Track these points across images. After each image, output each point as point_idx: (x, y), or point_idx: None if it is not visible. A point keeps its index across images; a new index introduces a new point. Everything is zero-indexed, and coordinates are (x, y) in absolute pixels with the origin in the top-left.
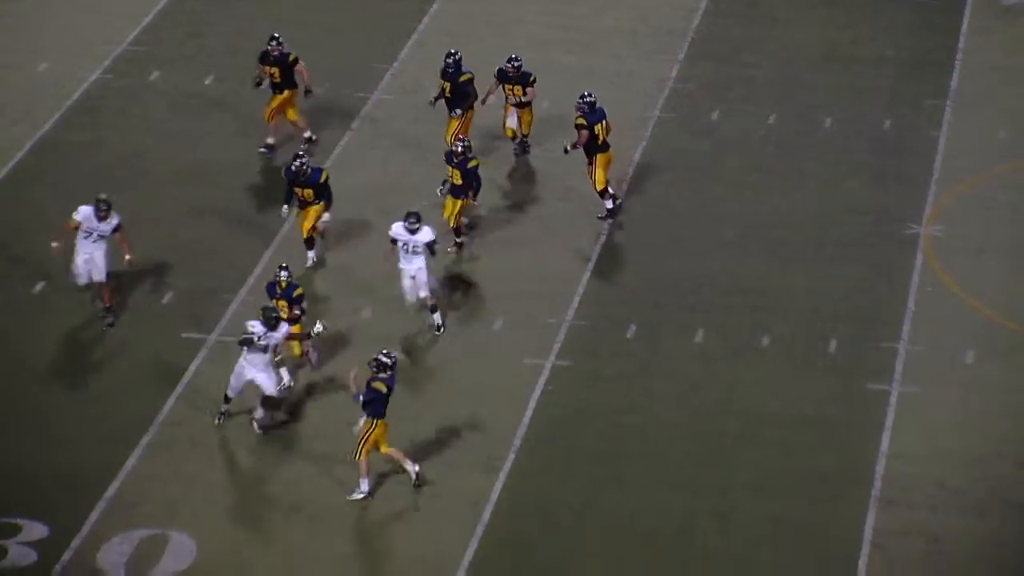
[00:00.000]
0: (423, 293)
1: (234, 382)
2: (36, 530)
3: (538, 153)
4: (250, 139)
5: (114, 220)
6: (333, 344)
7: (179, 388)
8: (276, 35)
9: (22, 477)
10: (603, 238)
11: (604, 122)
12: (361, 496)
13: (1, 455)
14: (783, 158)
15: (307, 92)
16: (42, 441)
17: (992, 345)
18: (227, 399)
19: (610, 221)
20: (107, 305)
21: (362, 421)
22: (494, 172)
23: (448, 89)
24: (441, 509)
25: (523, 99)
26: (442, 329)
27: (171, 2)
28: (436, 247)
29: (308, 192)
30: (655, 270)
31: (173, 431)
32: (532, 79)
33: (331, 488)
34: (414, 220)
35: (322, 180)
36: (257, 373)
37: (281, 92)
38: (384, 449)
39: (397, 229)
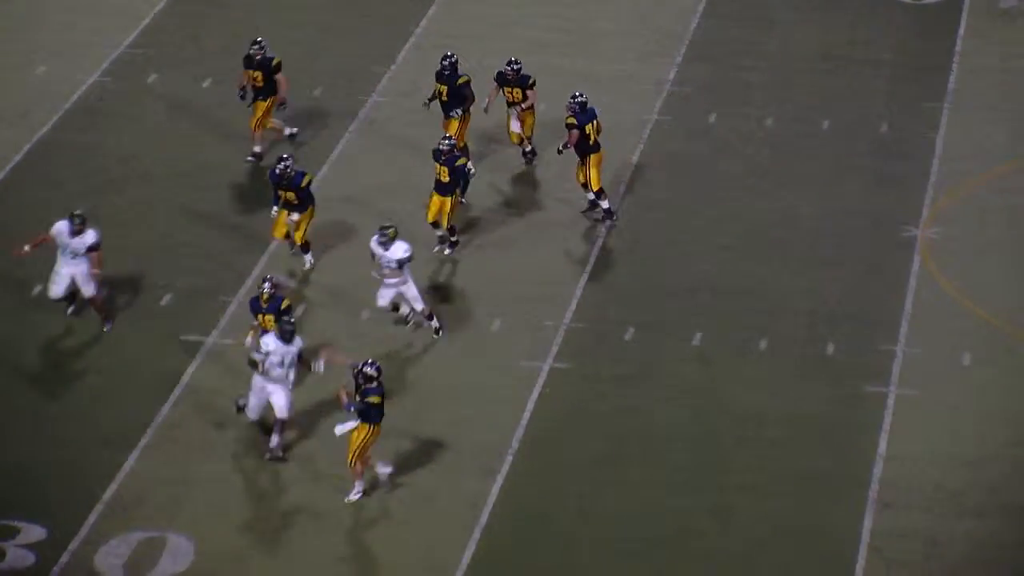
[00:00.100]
0: (419, 306)
1: (253, 402)
2: (34, 532)
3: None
4: (248, 142)
5: (89, 237)
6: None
7: (177, 390)
8: (259, 39)
9: (20, 479)
10: (600, 241)
11: (595, 122)
12: (358, 497)
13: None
14: (780, 161)
15: (281, 104)
16: (40, 443)
17: (989, 348)
18: (239, 408)
19: (608, 223)
20: (102, 316)
21: (351, 424)
22: (491, 175)
23: (445, 92)
24: (439, 512)
25: (523, 104)
26: (440, 332)
27: (169, 4)
28: (407, 263)
29: (290, 195)
30: (653, 273)
31: (172, 433)
32: (531, 82)
33: (329, 490)
34: (385, 235)
35: (304, 184)
36: (274, 392)
37: (265, 98)
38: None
39: (373, 243)
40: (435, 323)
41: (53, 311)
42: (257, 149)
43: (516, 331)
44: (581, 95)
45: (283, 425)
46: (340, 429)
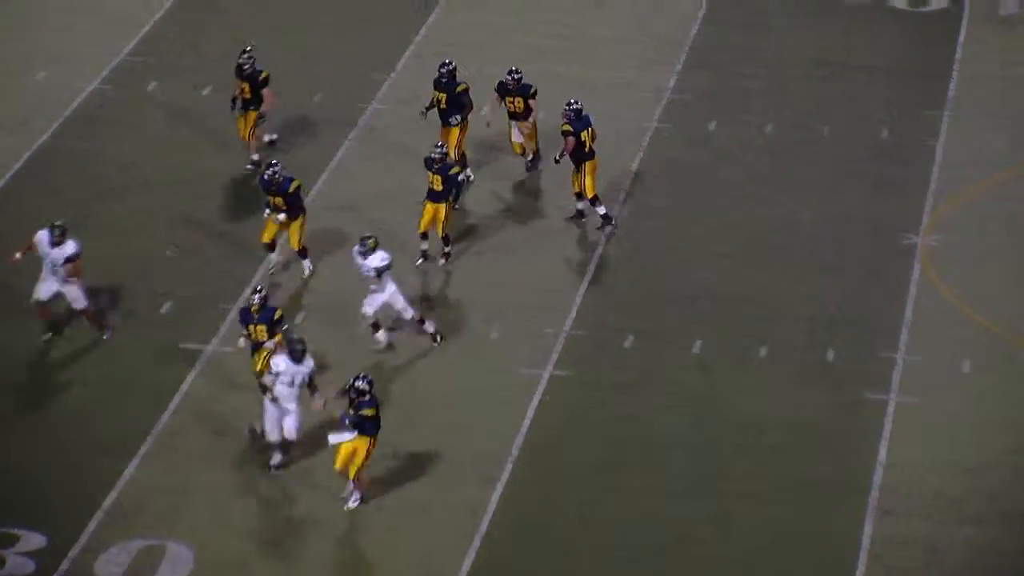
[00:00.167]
0: (408, 315)
1: (269, 425)
2: (34, 540)
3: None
4: (246, 151)
5: (68, 248)
6: (328, 356)
7: (177, 398)
8: (248, 48)
9: (20, 487)
10: (600, 248)
11: (590, 129)
12: (356, 504)
13: (5, 458)
14: (780, 168)
15: (260, 118)
16: (40, 450)
17: (989, 355)
18: (260, 433)
19: (608, 231)
20: (97, 327)
21: (347, 436)
22: (491, 182)
23: (444, 100)
24: (439, 519)
25: (524, 117)
26: (440, 338)
27: (169, 11)
28: (385, 271)
29: (279, 200)
30: (653, 280)
31: (171, 441)
32: (533, 91)
33: (328, 498)
34: (365, 245)
35: (291, 190)
36: (284, 412)
37: (255, 108)
38: (341, 465)
39: (354, 252)
40: (431, 328)
41: (53, 318)
42: (255, 157)
43: (516, 338)
44: (576, 102)
45: (290, 446)
46: (334, 438)
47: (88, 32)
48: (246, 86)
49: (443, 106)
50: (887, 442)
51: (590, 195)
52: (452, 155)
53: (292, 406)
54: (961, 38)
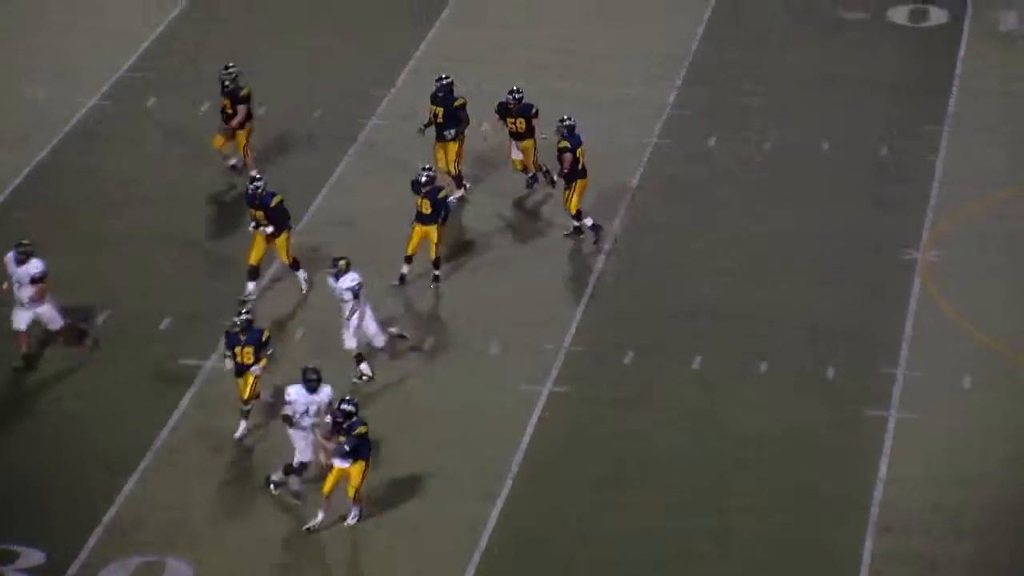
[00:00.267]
0: (379, 342)
1: (301, 447)
2: (34, 557)
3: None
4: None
5: (33, 267)
6: (324, 371)
7: (176, 415)
8: (229, 65)
9: (19, 503)
10: (599, 264)
11: (581, 147)
12: (356, 520)
13: (8, 474)
14: (779, 183)
15: (228, 131)
16: (40, 467)
17: (988, 371)
18: (299, 468)
19: (604, 246)
20: (74, 346)
21: (345, 464)
22: (490, 199)
23: (441, 114)
24: (439, 536)
25: (525, 137)
26: (365, 378)
27: (169, 27)
28: (357, 291)
29: (259, 214)
30: (652, 296)
31: (171, 457)
32: (534, 111)
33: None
34: (337, 266)
35: (273, 204)
36: (301, 440)
37: (241, 126)
38: (329, 488)
39: (327, 275)
40: (408, 338)
41: (51, 334)
42: (254, 173)
43: (515, 354)
44: (570, 118)
45: (304, 468)
46: (339, 463)
47: (88, 48)
48: (227, 103)
49: (440, 120)
50: (887, 458)
51: (573, 211)
52: (452, 170)
53: (305, 436)
54: (961, 53)
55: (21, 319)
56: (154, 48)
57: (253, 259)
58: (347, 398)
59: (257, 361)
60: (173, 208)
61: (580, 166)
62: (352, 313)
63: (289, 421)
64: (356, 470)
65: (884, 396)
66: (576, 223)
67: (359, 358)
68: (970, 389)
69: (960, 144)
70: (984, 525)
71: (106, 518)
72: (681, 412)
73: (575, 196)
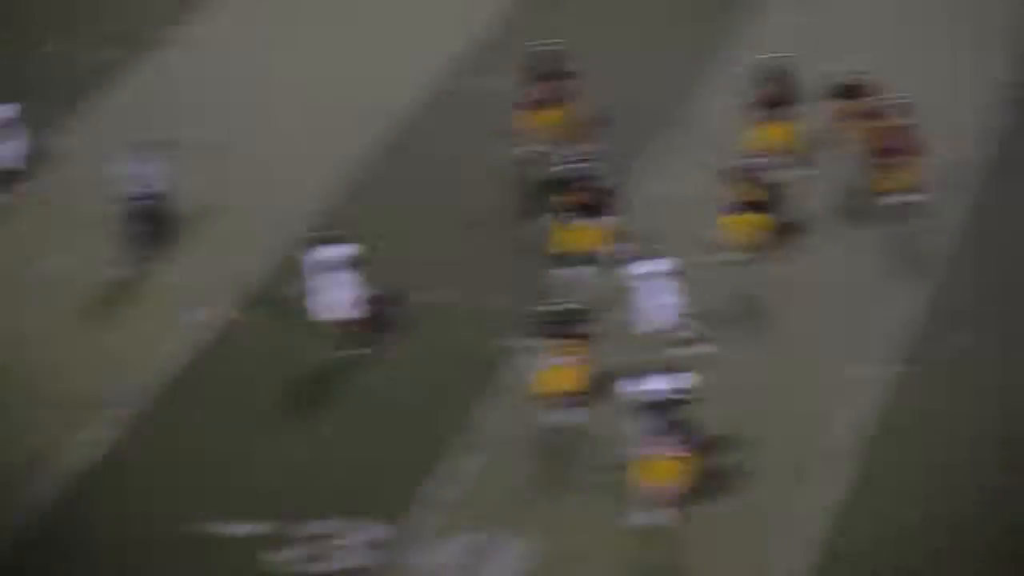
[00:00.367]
0: (673, 328)
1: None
2: (371, 531)
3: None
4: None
5: (347, 249)
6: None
7: (501, 394)
8: (548, 41)
9: (356, 479)
10: (932, 242)
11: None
12: (664, 518)
13: (344, 455)
14: None
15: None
16: (375, 445)
17: None
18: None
19: (935, 222)
20: (369, 337)
21: (677, 453)
22: (819, 178)
23: (775, 94)
24: (782, 522)
25: (867, 118)
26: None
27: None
28: (661, 275)
29: (576, 197)
30: (1000, 274)
31: (501, 436)
32: (878, 93)
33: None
34: (627, 251)
35: (590, 186)
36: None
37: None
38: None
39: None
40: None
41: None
42: (569, 153)
43: (845, 333)
44: (903, 96)
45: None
46: (668, 453)
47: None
48: (546, 81)
49: (774, 101)
50: None
51: (907, 188)
52: (792, 148)
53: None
54: None
55: (336, 304)
56: (482, 31)
57: (567, 244)
58: (678, 386)
59: (579, 349)
60: (483, 190)
61: (907, 143)
62: (647, 296)
63: (635, 410)
64: (685, 460)
65: None
66: (902, 200)
67: (686, 339)
68: None
69: None
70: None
71: (441, 494)
72: None
73: (905, 172)
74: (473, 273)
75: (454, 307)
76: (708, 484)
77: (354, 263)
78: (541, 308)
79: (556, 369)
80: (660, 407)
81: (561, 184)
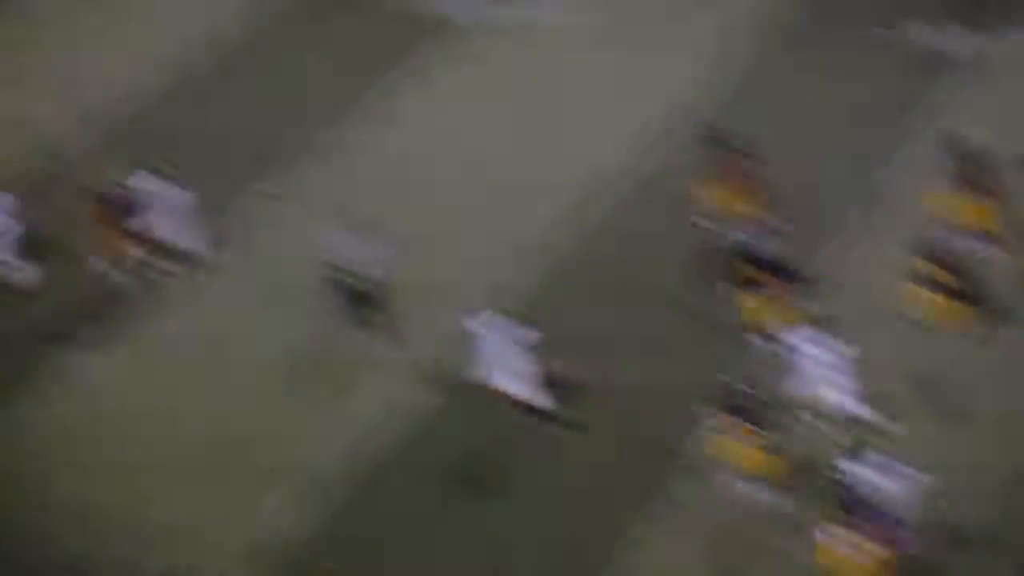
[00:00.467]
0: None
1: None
2: None
3: None
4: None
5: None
6: None
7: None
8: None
9: (547, 557)
10: None
11: None
12: None
13: (527, 536)
14: None
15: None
16: (557, 523)
17: None
18: None
19: None
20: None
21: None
22: None
23: (967, 174)
24: None
25: None
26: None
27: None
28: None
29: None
30: None
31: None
32: None
33: None
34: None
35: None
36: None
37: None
38: None
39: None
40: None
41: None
42: (728, 225)
43: None
44: None
45: None
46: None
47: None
48: (735, 160)
49: (971, 179)
50: None
51: None
52: (986, 228)
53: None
54: None
55: (518, 381)
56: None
57: (754, 320)
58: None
59: (764, 429)
60: (668, 265)
61: None
62: (833, 375)
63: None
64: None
65: None
66: None
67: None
68: None
69: None
70: None
71: None
72: None
73: None
74: (656, 348)
75: (635, 383)
76: None
77: (534, 340)
78: (727, 385)
79: (743, 448)
80: (868, 498)
81: (747, 260)
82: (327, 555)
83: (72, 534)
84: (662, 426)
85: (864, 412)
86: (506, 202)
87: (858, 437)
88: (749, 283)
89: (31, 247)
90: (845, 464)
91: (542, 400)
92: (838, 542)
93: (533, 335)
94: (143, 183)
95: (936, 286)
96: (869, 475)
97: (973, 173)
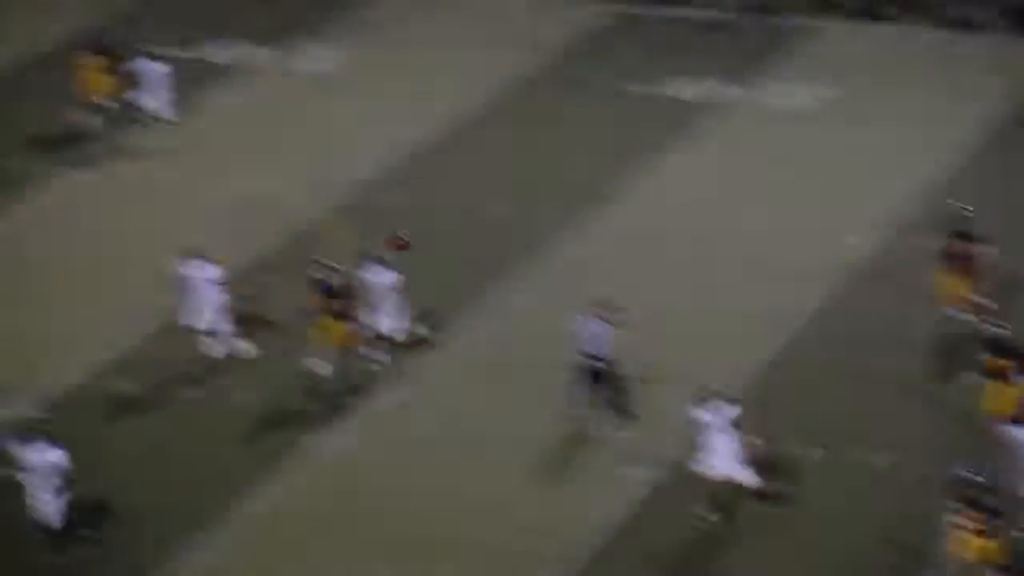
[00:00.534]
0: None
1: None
2: None
3: None
4: None
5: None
6: None
7: None
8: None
9: None
10: None
11: None
12: None
13: None
14: None
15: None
16: None
17: None
18: None
19: None
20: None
21: None
22: None
23: None
24: None
25: None
26: None
27: None
28: None
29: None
30: None
31: None
32: None
33: None
34: None
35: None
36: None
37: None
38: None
39: None
40: None
41: None
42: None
43: None
44: None
45: None
46: None
47: None
48: (967, 246)
49: None
50: None
51: None
52: None
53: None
54: None
55: (726, 464)
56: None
57: (995, 408)
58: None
59: (993, 519)
60: (907, 350)
61: None
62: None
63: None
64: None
65: None
66: None
67: None
68: None
69: None
70: None
71: None
72: None
73: None
74: (893, 433)
75: (866, 468)
76: None
77: (737, 422)
78: (961, 474)
79: (974, 539)
80: None
81: (989, 346)
82: None
83: None
84: (899, 513)
85: None
86: (745, 280)
87: None
88: (998, 374)
89: (244, 322)
90: None
91: (751, 478)
92: None
93: (737, 410)
94: (363, 271)
95: None
96: None
97: None
